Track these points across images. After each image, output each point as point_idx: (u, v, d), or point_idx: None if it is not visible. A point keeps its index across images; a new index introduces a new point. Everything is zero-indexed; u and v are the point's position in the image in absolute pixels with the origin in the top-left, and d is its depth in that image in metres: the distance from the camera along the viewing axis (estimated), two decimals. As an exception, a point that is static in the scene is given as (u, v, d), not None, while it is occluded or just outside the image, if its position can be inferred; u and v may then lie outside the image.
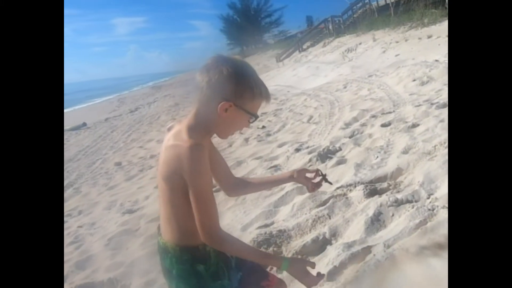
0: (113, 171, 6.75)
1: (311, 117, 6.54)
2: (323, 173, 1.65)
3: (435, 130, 3.86)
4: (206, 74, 1.24)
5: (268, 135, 6.17)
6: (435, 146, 3.41)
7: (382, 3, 20.41)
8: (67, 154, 8.98)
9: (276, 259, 1.42)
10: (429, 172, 2.89)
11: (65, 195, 5.77)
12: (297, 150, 4.62)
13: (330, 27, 23.63)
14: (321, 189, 3.17)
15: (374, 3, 21.42)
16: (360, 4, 22.85)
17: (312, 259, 2.34)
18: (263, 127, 6.84)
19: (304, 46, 23.75)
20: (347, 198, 2.95)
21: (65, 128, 13.31)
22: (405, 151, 3.56)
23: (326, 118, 6.12)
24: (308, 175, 1.61)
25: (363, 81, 8.72)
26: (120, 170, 6.70)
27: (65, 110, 25.14)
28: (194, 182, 1.19)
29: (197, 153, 1.18)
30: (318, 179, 1.63)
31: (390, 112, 5.17)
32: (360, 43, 15.95)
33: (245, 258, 1.34)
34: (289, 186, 3.56)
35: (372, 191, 2.93)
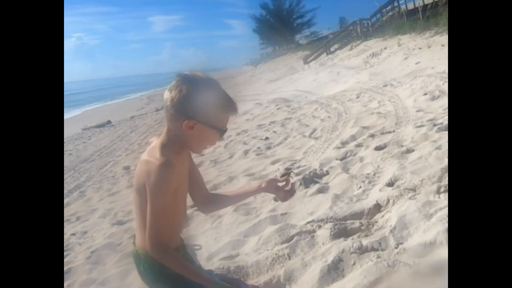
0: (119, 176, 6.67)
1: (314, 130, 6.23)
2: (290, 173, 1.66)
3: (428, 159, 3.50)
4: (169, 94, 1.26)
5: (268, 148, 5.91)
6: (422, 180, 3.07)
7: (411, 7, 19.55)
8: (83, 154, 9.05)
9: (211, 282, 1.37)
10: (405, 215, 2.56)
11: (70, 198, 5.73)
12: (288, 169, 4.35)
13: (359, 30, 22.89)
14: (292, 222, 2.93)
15: (403, 7, 20.56)
16: (389, 7, 22.01)
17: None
18: (267, 138, 6.59)
19: (332, 49, 23.16)
20: (313, 236, 2.67)
21: (90, 125, 13.51)
22: (390, 183, 3.22)
23: (327, 133, 5.80)
24: (280, 184, 1.59)
25: (376, 91, 8.30)
26: (126, 175, 6.61)
27: (95, 106, 25.84)
28: (154, 197, 1.22)
29: (165, 171, 1.21)
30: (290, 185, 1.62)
31: (389, 132, 4.80)
32: (385, 48, 15.35)
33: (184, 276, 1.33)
34: (264, 213, 3.32)
35: (341, 231, 2.64)
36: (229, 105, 1.31)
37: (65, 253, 3.68)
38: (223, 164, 5.65)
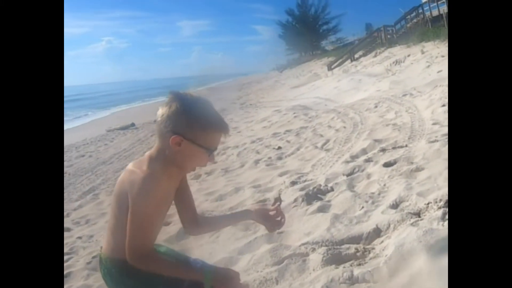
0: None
1: (327, 141, 6.03)
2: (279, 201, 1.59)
3: (437, 180, 3.25)
4: (161, 110, 1.28)
5: (279, 158, 5.75)
6: (428, 204, 2.84)
7: (435, 13, 18.93)
8: (103, 156, 9.11)
9: (196, 275, 1.36)
10: (404, 244, 2.35)
11: (82, 201, 5.73)
12: (293, 183, 4.18)
13: (383, 36, 22.35)
14: (287, 242, 2.76)
15: (427, 13, 19.94)
16: (414, 13, 21.39)
17: None
18: (279, 148, 6.42)
19: (357, 55, 22.72)
20: (304, 261, 2.50)
21: (114, 127, 13.68)
22: (394, 205, 3.01)
23: (339, 145, 5.59)
24: (271, 213, 1.55)
25: (395, 101, 8.00)
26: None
27: (122, 108, 26.29)
28: (136, 209, 1.22)
29: (148, 184, 1.23)
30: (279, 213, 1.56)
31: (401, 147, 4.55)
32: (408, 55, 14.90)
33: (170, 275, 1.32)
34: (262, 229, 3.16)
35: (334, 256, 2.45)
36: (217, 125, 1.30)
37: (68, 256, 3.64)
38: (233, 173, 5.53)
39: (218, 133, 1.31)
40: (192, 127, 1.26)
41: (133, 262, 1.24)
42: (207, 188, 4.98)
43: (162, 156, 1.31)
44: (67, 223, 4.76)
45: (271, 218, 1.54)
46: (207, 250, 3.08)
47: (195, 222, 1.55)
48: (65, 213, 5.25)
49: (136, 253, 1.24)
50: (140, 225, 1.23)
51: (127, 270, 1.31)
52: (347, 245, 2.58)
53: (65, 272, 3.29)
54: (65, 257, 3.64)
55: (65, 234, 4.35)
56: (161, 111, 1.28)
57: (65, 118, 20.16)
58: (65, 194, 6.25)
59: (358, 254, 2.47)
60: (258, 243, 2.95)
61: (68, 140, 12.21)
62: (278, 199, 1.61)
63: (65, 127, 17.68)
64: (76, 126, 18.59)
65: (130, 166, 1.36)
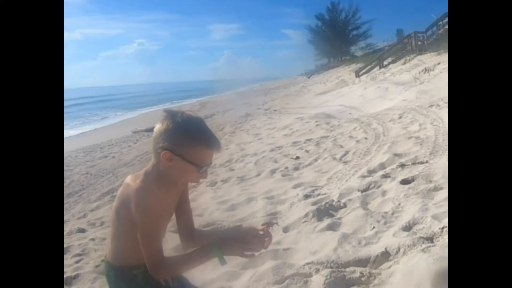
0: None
1: (346, 153, 5.86)
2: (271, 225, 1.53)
3: (455, 201, 3.07)
4: (156, 127, 1.34)
5: (296, 169, 5.64)
6: (442, 228, 2.67)
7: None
8: (125, 158, 9.24)
9: (206, 252, 1.40)
10: (412, 271, 2.22)
11: (100, 202, 5.79)
12: (306, 196, 4.07)
13: (413, 43, 21.75)
14: (292, 260, 2.66)
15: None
16: (446, 19, 20.72)
17: None
18: (297, 157, 6.31)
19: (386, 62, 22.21)
20: (306, 282, 2.41)
21: (139, 128, 13.88)
22: (407, 227, 2.86)
23: (358, 158, 5.42)
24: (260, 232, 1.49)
25: (420, 112, 7.72)
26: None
27: (151, 109, 26.72)
28: (139, 224, 1.29)
29: (142, 197, 1.29)
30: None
31: (421, 163, 4.35)
32: (438, 63, 14.40)
33: (191, 269, 1.43)
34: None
35: (338, 280, 2.34)
36: (207, 142, 1.33)
37: (79, 258, 3.68)
38: (248, 182, 5.46)
39: (207, 150, 1.34)
40: (182, 143, 1.29)
41: (154, 274, 1.33)
42: (220, 196, 4.93)
43: (156, 172, 1.35)
44: (82, 224, 4.81)
45: (259, 237, 1.46)
46: (210, 262, 3.01)
47: (191, 236, 1.59)
48: (82, 214, 5.33)
49: (151, 265, 1.32)
50: (144, 239, 1.30)
51: (122, 275, 1.43)
52: (353, 268, 2.46)
53: (73, 274, 3.31)
54: (76, 258, 3.67)
55: (80, 235, 4.39)
56: (156, 128, 1.34)
57: (94, 118, 20.70)
58: (84, 195, 6.36)
59: (362, 278, 2.35)
60: (263, 259, 2.87)
61: (94, 140, 12.50)
62: (270, 224, 1.53)
63: (93, 127, 18.14)
64: (104, 126, 19.04)
65: (127, 179, 1.42)
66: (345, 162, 5.32)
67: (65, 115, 27.92)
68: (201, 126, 1.35)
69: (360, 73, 22.24)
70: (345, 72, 28.90)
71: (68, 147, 12.05)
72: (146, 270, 1.42)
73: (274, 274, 2.58)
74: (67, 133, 18.31)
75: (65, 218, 5.18)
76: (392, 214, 3.15)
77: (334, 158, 5.66)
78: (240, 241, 1.41)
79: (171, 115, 1.32)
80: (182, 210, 1.56)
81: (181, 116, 1.32)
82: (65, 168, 8.81)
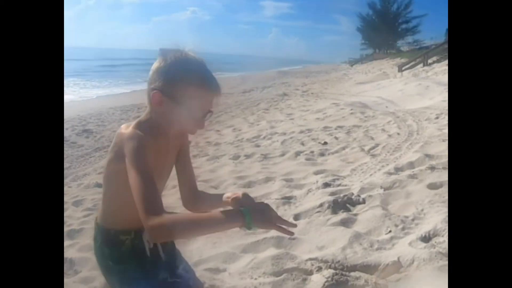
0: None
1: (376, 146, 5.42)
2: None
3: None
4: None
5: (321, 154, 5.28)
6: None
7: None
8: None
9: (235, 218, 1.00)
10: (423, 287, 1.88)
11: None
12: (326, 185, 3.74)
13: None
14: (296, 251, 2.39)
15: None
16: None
17: None
18: (325, 143, 5.93)
19: (430, 60, 20.92)
20: (304, 280, 2.12)
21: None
22: (426, 238, 2.49)
23: (387, 152, 4.98)
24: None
25: (461, 116, 7.08)
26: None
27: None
28: (131, 162, 1.03)
29: (133, 141, 1.06)
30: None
31: (453, 169, 3.89)
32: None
33: (203, 234, 1.27)
34: (273, 231, 2.81)
35: (339, 284, 2.04)
36: (204, 82, 1.10)
37: (89, 212, 3.56)
38: (271, 161, 5.17)
39: (203, 92, 1.11)
40: (174, 83, 1.08)
41: (151, 231, 0.94)
42: (240, 171, 4.69)
43: (149, 119, 1.16)
44: (101, 179, 4.71)
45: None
46: (212, 239, 2.80)
47: (192, 198, 1.39)
48: (103, 169, 5.25)
49: (148, 216, 0.94)
50: (137, 183, 1.00)
51: (108, 239, 1.24)
52: (358, 274, 2.14)
53: (79, 228, 3.18)
54: (86, 212, 3.59)
55: (96, 189, 4.31)
56: (151, 68, 1.14)
57: (138, 80, 20.76)
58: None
59: (366, 287, 2.04)
60: (266, 245, 2.61)
61: (133, 100, 12.45)
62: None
63: (136, 88, 18.09)
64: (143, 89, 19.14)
65: (120, 128, 1.18)
66: (373, 155, 4.91)
67: (112, 73, 28.46)
68: (199, 65, 1.12)
69: (403, 68, 21.10)
70: (388, 65, 27.55)
71: (107, 104, 12.18)
72: (136, 237, 1.24)
73: (273, 264, 2.32)
74: (111, 90, 18.58)
75: (86, 171, 5.13)
76: (413, 220, 2.77)
77: (362, 150, 5.24)
78: (272, 210, 1.08)
79: (165, 53, 1.12)
80: (182, 167, 1.36)
81: (176, 54, 1.10)
82: (99, 123, 8.85)
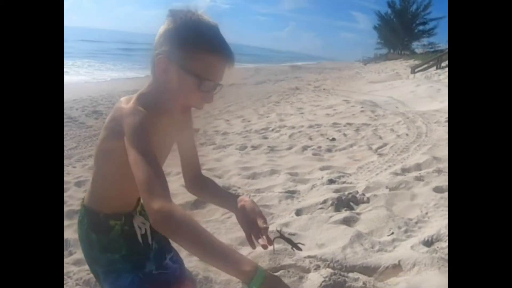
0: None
1: (384, 145, 5.30)
2: (284, 235, 1.17)
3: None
4: None
5: (328, 150, 5.18)
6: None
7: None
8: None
9: (242, 274, 0.79)
10: (423, 294, 1.80)
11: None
12: (331, 181, 3.65)
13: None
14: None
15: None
16: None
17: None
18: (333, 139, 5.82)
19: (444, 64, 20.48)
20: (301, 278, 2.04)
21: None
22: (429, 242, 2.39)
23: (395, 153, 4.86)
24: (259, 223, 1.08)
25: (472, 121, 6.90)
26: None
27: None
28: (132, 148, 0.89)
29: (134, 117, 0.94)
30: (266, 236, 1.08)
31: (462, 174, 3.77)
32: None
33: (202, 255, 0.85)
34: (275, 224, 2.74)
35: (336, 285, 1.96)
36: (215, 49, 0.97)
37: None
38: (277, 154, 5.09)
39: (216, 59, 0.98)
40: (182, 47, 0.95)
41: (157, 216, 0.79)
42: (245, 162, 4.61)
43: (151, 90, 1.04)
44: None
45: (256, 229, 1.08)
46: (212, 228, 2.74)
47: (195, 181, 1.28)
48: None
49: (150, 197, 0.81)
50: (139, 161, 0.87)
51: (96, 223, 1.12)
52: (357, 275, 2.06)
53: (77, 209, 3.14)
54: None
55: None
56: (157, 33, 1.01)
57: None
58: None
59: (366, 289, 1.96)
60: (266, 239, 2.54)
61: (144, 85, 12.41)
62: (279, 232, 1.16)
63: (148, 74, 18.08)
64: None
65: (120, 102, 1.07)
66: (381, 155, 4.79)
67: (128, 57, 28.43)
68: (212, 30, 1.00)
69: (416, 70, 20.72)
70: (402, 66, 27.15)
71: (120, 87, 12.17)
72: (125, 223, 1.14)
73: (271, 259, 2.24)
74: (125, 74, 18.57)
75: (92, 152, 5.09)
76: (416, 222, 2.68)
77: (370, 148, 5.13)
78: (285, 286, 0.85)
79: (175, 13, 0.98)
80: (185, 147, 1.25)
81: (187, 15, 0.97)
82: (109, 105, 8.81)
